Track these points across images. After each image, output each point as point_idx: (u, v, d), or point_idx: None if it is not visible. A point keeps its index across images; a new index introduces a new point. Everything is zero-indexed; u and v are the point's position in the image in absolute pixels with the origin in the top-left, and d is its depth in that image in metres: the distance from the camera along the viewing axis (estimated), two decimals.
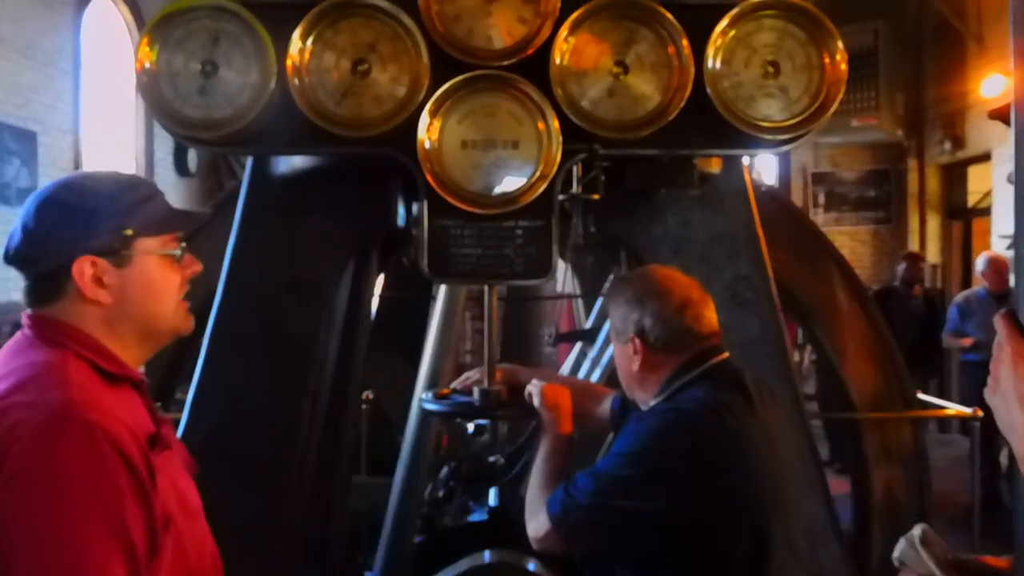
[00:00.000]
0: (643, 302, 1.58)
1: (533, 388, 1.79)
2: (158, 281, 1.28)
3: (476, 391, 1.91)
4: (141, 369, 1.34)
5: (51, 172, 6.32)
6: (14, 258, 1.25)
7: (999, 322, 0.92)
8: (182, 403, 2.17)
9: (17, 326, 1.29)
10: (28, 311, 1.26)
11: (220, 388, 2.10)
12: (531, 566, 2.10)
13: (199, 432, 2.06)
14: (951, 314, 5.84)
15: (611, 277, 2.98)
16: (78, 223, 1.22)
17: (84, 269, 1.21)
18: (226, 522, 1.95)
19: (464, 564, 2.07)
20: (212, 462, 2.05)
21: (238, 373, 2.12)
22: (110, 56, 7.24)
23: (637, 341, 1.58)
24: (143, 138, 7.51)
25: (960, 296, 6.07)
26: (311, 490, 2.21)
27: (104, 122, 7.16)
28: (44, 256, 1.22)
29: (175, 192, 7.90)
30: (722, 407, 1.50)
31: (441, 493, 2.63)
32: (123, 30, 7.43)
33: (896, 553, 1.20)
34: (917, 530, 1.19)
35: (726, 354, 1.62)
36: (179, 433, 2.06)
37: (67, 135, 6.51)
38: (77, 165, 6.62)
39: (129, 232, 1.25)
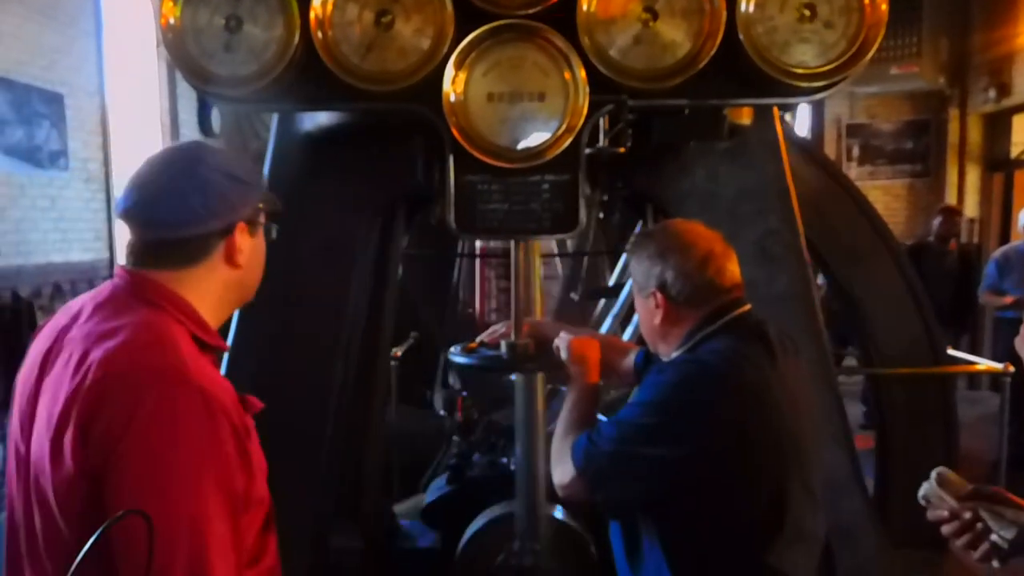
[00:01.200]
0: (665, 256, 1.58)
1: (561, 341, 1.81)
2: (262, 251, 1.39)
3: (503, 344, 1.92)
4: None
5: (80, 135, 6.38)
6: (149, 217, 1.26)
7: None
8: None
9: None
10: (130, 268, 1.28)
11: (253, 347, 2.13)
12: (557, 513, 2.13)
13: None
14: (989, 270, 5.69)
15: (635, 233, 2.96)
16: (238, 190, 1.30)
17: (240, 235, 1.30)
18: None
19: (492, 512, 2.11)
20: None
21: (270, 332, 2.15)
22: (131, 17, 7.22)
23: (659, 295, 1.58)
24: (167, 99, 7.53)
25: (999, 252, 5.91)
26: (344, 443, 2.26)
27: (128, 84, 7.18)
28: (201, 219, 1.26)
29: None
30: (742, 358, 1.50)
31: (473, 447, 2.67)
32: None
33: (920, 492, 1.33)
34: (935, 472, 1.32)
35: (748, 306, 1.61)
36: None
37: (93, 97, 6.54)
38: (104, 128, 6.67)
39: (261, 205, 1.36)
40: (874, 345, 3.07)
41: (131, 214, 1.26)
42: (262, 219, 1.37)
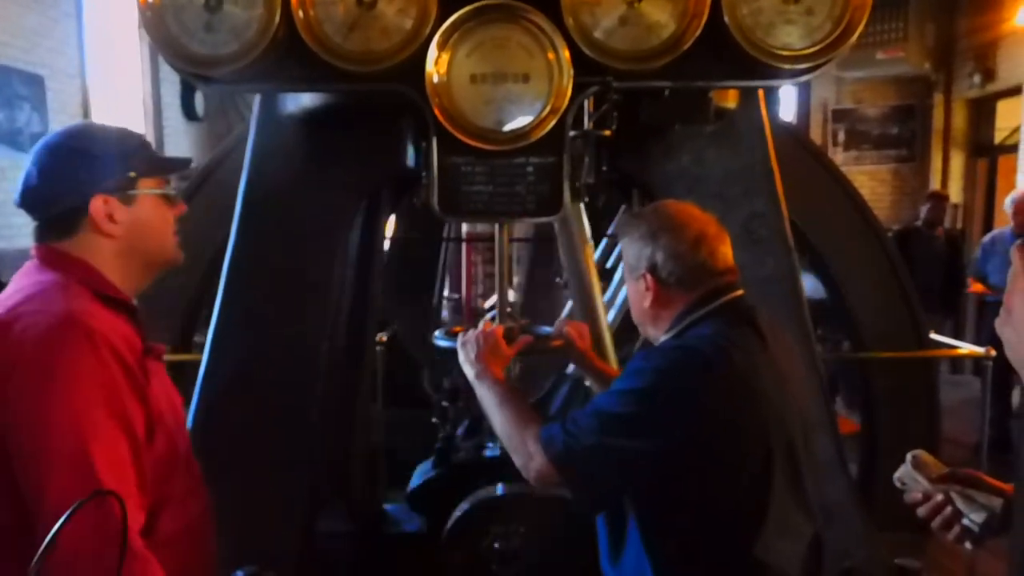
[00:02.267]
0: (656, 237, 1.54)
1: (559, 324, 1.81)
2: (157, 218, 1.44)
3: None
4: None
5: (61, 118, 6.28)
6: (30, 200, 1.39)
7: (1015, 253, 0.90)
8: (202, 346, 2.20)
9: None
10: (36, 242, 1.40)
11: (238, 329, 2.12)
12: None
13: (220, 372, 2.10)
14: (979, 255, 5.76)
15: (620, 215, 2.96)
16: (93, 166, 1.37)
17: (99, 206, 1.36)
18: (249, 458, 2.01)
19: (478, 495, 2.11)
20: (233, 401, 2.11)
21: (254, 314, 2.13)
22: None
23: (649, 277, 1.54)
24: (150, 83, 7.43)
25: (987, 236, 5.97)
26: (331, 427, 2.25)
27: (110, 67, 7.09)
28: (62, 196, 1.37)
29: (184, 137, 7.86)
30: (730, 344, 1.46)
31: (458, 430, 2.67)
32: None
33: (896, 474, 1.35)
34: (910, 455, 1.33)
35: (741, 292, 1.58)
36: (200, 373, 2.11)
37: (74, 79, 6.44)
38: (86, 110, 6.58)
39: (133, 174, 1.41)
40: (858, 329, 3.09)
41: (23, 198, 1.40)
42: (142, 186, 1.41)
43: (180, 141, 7.77)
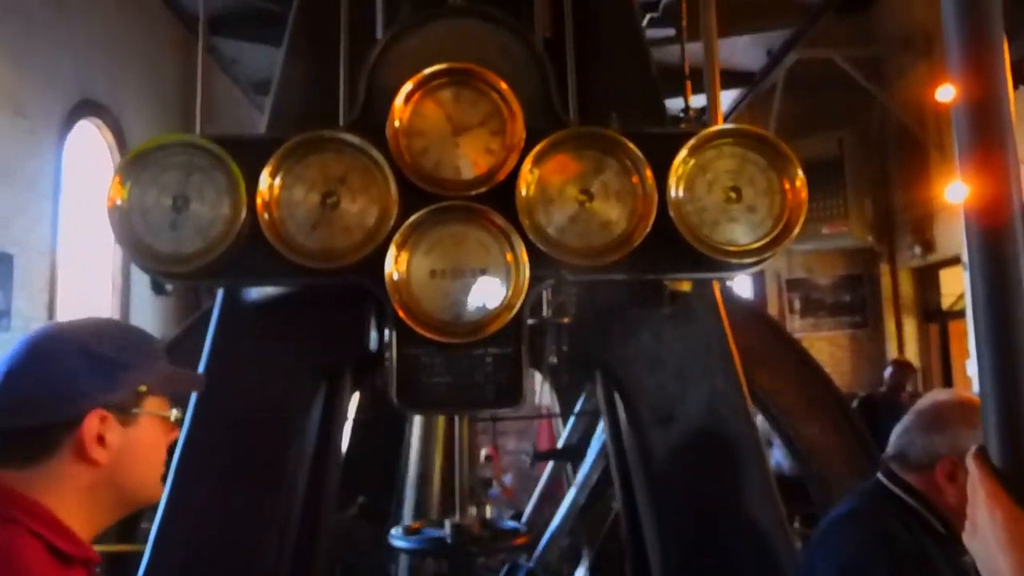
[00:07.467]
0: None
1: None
2: (154, 445, 1.18)
3: (448, 525, 1.84)
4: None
5: (25, 293, 6.28)
6: (3, 407, 1.08)
7: (971, 462, 0.89)
8: (147, 532, 2.09)
9: None
10: None
11: (186, 516, 2.02)
12: None
13: (164, 563, 1.97)
14: None
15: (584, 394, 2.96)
16: (98, 372, 1.11)
17: (93, 424, 1.08)
18: None
19: None
20: None
21: (205, 500, 2.04)
22: (91, 177, 7.35)
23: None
24: (120, 258, 7.54)
25: None
26: None
27: (81, 241, 7.19)
28: (49, 404, 1.08)
29: (151, 310, 7.86)
30: None
31: None
32: (105, 152, 7.60)
33: None
34: None
35: None
36: (143, 564, 1.97)
37: (44, 256, 6.51)
38: (52, 285, 6.60)
39: (143, 388, 1.15)
40: (826, 498, 3.04)
41: None
42: (148, 405, 1.15)
43: (146, 313, 7.77)
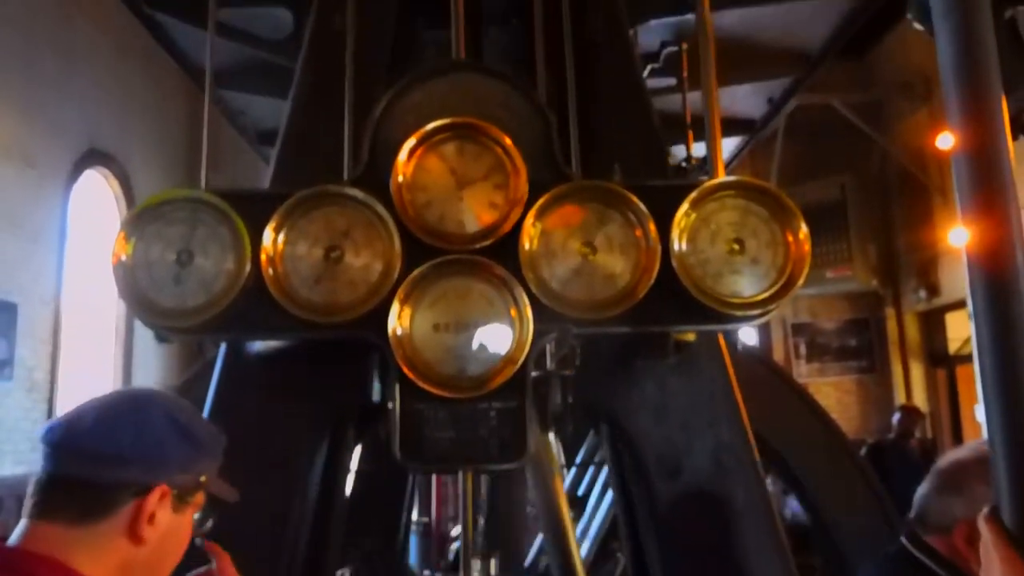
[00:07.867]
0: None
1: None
2: (184, 540, 1.18)
3: None
4: None
5: (28, 342, 6.28)
6: (85, 444, 1.06)
7: (983, 525, 0.87)
8: None
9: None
10: (30, 521, 1.05)
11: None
12: None
13: None
14: None
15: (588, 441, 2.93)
16: (184, 447, 1.12)
17: (155, 499, 1.07)
18: None
19: None
20: None
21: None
22: (97, 227, 7.41)
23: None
24: (123, 305, 7.54)
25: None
26: None
27: (86, 291, 7.21)
28: (131, 463, 1.06)
29: (153, 358, 7.85)
30: None
31: None
32: (112, 202, 7.67)
33: None
34: None
35: None
36: None
37: (48, 305, 6.53)
38: (56, 334, 6.60)
39: (203, 479, 1.16)
40: (837, 545, 3.00)
41: (50, 435, 1.08)
42: (197, 498, 1.16)
43: (149, 362, 7.75)
